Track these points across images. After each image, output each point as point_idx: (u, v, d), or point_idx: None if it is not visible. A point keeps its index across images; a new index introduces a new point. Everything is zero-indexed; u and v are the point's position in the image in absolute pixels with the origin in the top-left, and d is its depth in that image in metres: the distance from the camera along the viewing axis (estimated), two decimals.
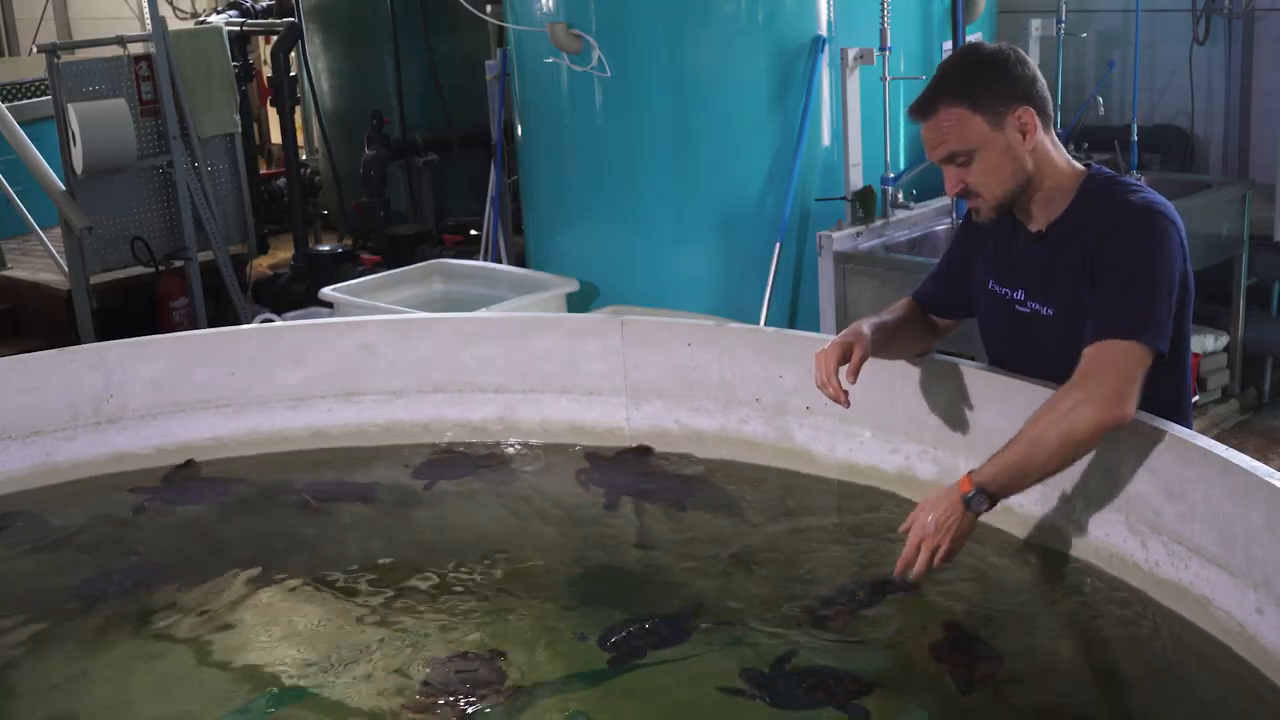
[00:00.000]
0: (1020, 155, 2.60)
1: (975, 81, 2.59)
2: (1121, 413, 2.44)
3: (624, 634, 2.64)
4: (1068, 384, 2.49)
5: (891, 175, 5.29)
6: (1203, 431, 3.46)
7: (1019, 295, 2.76)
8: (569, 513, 3.31)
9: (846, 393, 2.76)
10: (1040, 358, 2.75)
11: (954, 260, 2.96)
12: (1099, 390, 2.44)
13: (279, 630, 2.83)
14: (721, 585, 2.89)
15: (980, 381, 2.93)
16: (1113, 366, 2.45)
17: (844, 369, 2.76)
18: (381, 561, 3.11)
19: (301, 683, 2.58)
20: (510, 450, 3.62)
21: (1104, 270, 2.54)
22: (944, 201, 5.29)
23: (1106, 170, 2.70)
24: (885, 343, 2.86)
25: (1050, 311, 2.69)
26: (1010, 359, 2.84)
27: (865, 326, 2.84)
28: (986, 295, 2.84)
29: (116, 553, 3.26)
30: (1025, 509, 2.86)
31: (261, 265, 8.64)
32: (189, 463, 3.62)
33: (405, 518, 3.39)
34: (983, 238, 2.86)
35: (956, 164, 2.61)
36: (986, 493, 2.52)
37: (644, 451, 3.52)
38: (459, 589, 2.92)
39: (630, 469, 3.46)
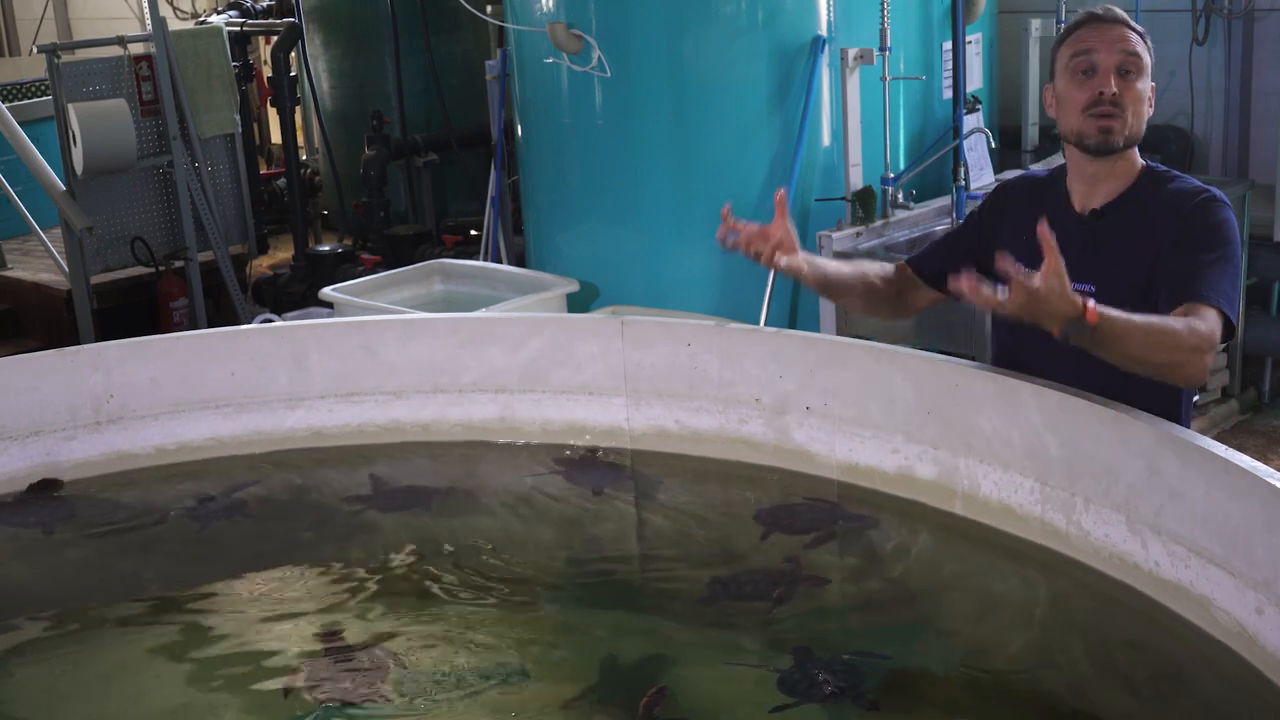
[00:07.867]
0: (1146, 113, 2.70)
1: (1145, 36, 2.72)
2: (1205, 378, 2.56)
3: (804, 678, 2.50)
4: (1189, 325, 2.46)
5: (891, 175, 5.28)
6: (1203, 431, 3.47)
7: None
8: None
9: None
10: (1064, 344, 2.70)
11: (966, 237, 2.98)
12: (1202, 350, 2.46)
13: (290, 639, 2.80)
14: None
15: (980, 381, 2.92)
16: (1204, 322, 2.47)
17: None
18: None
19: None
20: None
21: (1188, 246, 2.59)
22: (944, 201, 5.28)
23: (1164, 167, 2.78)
24: (823, 278, 3.08)
25: (1091, 288, 2.63)
26: (1031, 347, 2.77)
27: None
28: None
29: (116, 555, 3.27)
30: (1025, 509, 2.86)
31: (261, 265, 8.64)
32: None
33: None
34: (1005, 223, 2.85)
35: (1124, 70, 2.66)
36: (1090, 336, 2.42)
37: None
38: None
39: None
